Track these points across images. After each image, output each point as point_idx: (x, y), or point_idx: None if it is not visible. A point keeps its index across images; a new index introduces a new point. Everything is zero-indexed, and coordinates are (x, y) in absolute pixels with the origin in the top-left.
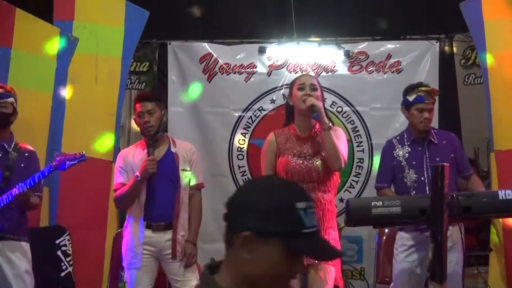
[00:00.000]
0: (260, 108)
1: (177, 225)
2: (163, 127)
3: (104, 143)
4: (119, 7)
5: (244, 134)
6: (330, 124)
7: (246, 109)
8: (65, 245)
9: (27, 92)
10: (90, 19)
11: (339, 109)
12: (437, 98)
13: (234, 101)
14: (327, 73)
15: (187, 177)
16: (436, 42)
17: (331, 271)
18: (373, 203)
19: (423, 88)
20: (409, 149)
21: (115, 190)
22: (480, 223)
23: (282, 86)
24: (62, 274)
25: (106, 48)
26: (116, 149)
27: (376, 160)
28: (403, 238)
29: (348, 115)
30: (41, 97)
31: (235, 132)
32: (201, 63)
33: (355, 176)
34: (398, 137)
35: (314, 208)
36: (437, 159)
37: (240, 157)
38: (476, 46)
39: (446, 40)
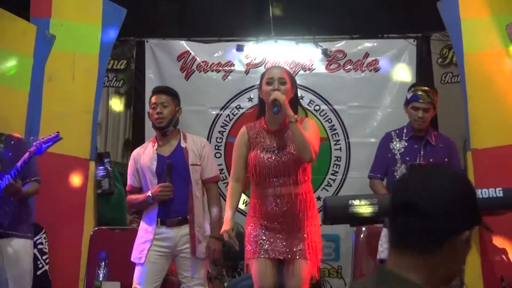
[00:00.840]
0: (238, 107)
1: (193, 220)
2: (175, 123)
3: (81, 140)
4: (97, 4)
5: (221, 133)
6: (296, 116)
7: (223, 107)
8: (41, 243)
9: (4, 89)
10: (67, 17)
11: (317, 107)
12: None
13: (211, 99)
14: (304, 71)
15: (198, 172)
16: (414, 41)
17: (307, 265)
18: (350, 202)
19: (420, 88)
20: (406, 144)
21: (128, 191)
22: None
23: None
24: (38, 272)
25: (83, 45)
26: (93, 147)
27: (353, 159)
28: (387, 235)
29: (326, 113)
30: (18, 94)
31: (213, 130)
32: (178, 61)
33: (332, 174)
34: (397, 131)
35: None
36: (431, 159)
37: (218, 155)
38: (453, 45)
39: (423, 39)
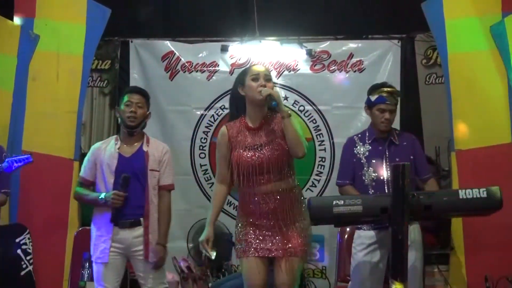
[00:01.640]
0: (222, 107)
1: (148, 225)
2: (143, 126)
3: (65, 141)
4: (81, 4)
5: (206, 133)
6: (289, 112)
7: (208, 108)
8: (25, 244)
9: None
10: (52, 16)
11: (301, 108)
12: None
13: (196, 100)
14: (289, 71)
15: (156, 178)
16: (398, 42)
17: (298, 263)
18: (334, 202)
19: (385, 89)
20: (370, 148)
21: (79, 182)
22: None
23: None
24: (22, 273)
25: (68, 45)
26: (77, 147)
27: (338, 159)
28: (362, 237)
29: (310, 114)
30: (2, 94)
31: (197, 131)
32: (163, 61)
33: (316, 175)
34: (360, 135)
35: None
36: (397, 159)
37: (202, 155)
38: (437, 46)
39: (407, 40)
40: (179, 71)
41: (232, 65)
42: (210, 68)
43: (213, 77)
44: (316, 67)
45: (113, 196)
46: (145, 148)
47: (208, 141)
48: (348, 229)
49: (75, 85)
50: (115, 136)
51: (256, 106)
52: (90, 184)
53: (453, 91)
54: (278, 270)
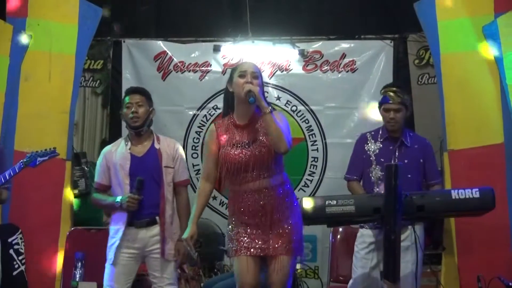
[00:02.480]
0: (215, 107)
1: (164, 223)
2: (149, 124)
3: (58, 141)
4: (73, 4)
5: (198, 133)
6: (270, 108)
7: (200, 108)
8: (17, 244)
9: None
10: (44, 16)
11: (294, 108)
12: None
13: (188, 100)
14: (281, 72)
15: (170, 174)
16: (390, 42)
17: (290, 261)
18: (327, 202)
19: (390, 89)
20: (381, 146)
21: (95, 188)
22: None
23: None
24: (15, 273)
25: (60, 45)
26: (70, 147)
27: (330, 159)
28: (364, 236)
29: (303, 114)
30: None
31: (190, 131)
32: (155, 61)
33: (309, 175)
34: (373, 132)
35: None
36: (406, 161)
37: (195, 155)
38: (429, 46)
39: (400, 40)
40: (172, 71)
41: (224, 65)
42: (202, 68)
43: (206, 77)
44: (308, 67)
45: (128, 199)
46: (156, 146)
47: (201, 141)
48: (340, 229)
49: (67, 85)
50: (124, 137)
51: (242, 103)
52: (106, 189)
53: (445, 91)
54: (270, 268)
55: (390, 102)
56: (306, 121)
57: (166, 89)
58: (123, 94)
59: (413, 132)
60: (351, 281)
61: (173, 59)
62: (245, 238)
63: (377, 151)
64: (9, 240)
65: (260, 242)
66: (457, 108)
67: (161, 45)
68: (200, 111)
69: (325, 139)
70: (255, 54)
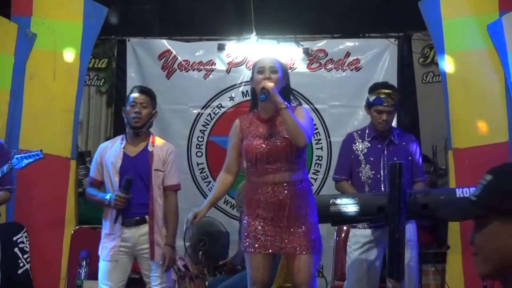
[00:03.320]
0: (219, 105)
1: (153, 225)
2: (149, 126)
3: (62, 139)
4: (78, 3)
5: (203, 132)
6: (286, 103)
7: (205, 106)
8: (22, 242)
9: None
10: (48, 15)
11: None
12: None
13: (193, 98)
14: None
15: (160, 177)
16: (395, 41)
17: (311, 260)
18: (331, 201)
19: (383, 90)
20: (369, 145)
21: (88, 182)
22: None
23: (241, 83)
24: (20, 271)
25: (65, 44)
26: (74, 146)
27: (335, 158)
28: (357, 236)
29: None
30: None
31: (194, 130)
32: (160, 60)
33: (313, 173)
34: (359, 131)
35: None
36: (395, 158)
37: (199, 154)
38: (434, 44)
39: (404, 39)
40: (176, 69)
41: (228, 63)
42: (206, 67)
43: (210, 76)
44: (312, 66)
45: (116, 198)
46: (150, 148)
47: (205, 139)
48: (345, 227)
49: (72, 84)
50: (122, 135)
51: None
52: (99, 184)
53: (450, 90)
54: (292, 268)
55: (385, 104)
56: None
57: (170, 88)
58: (127, 93)
59: (399, 129)
60: (346, 283)
61: (177, 58)
62: (261, 235)
63: (365, 150)
64: (14, 238)
65: (276, 240)
66: (461, 106)
67: (165, 43)
68: (205, 110)
69: (329, 137)
70: (259, 52)
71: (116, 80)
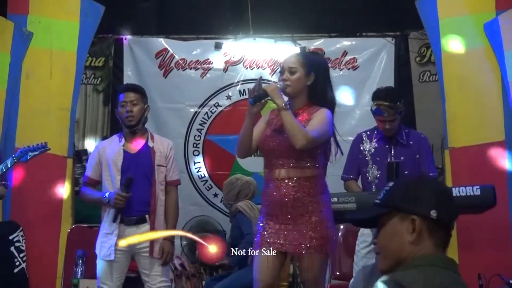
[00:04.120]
0: (216, 104)
1: (154, 221)
2: (144, 121)
3: (59, 138)
4: (75, 1)
5: (199, 130)
6: (283, 105)
7: (202, 105)
8: (18, 241)
9: None
10: (45, 13)
11: None
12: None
13: (190, 97)
14: None
15: (163, 173)
16: (392, 40)
17: (321, 258)
18: None
19: (383, 103)
20: (376, 145)
21: (84, 182)
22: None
23: (238, 82)
24: (16, 270)
25: (61, 42)
26: (71, 145)
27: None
28: (365, 235)
29: None
30: None
31: (191, 128)
32: (157, 59)
33: None
34: (368, 132)
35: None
36: (402, 158)
37: (196, 153)
38: (431, 43)
39: (401, 38)
40: (173, 68)
41: (226, 62)
42: (204, 66)
43: (207, 75)
44: None
45: (116, 197)
46: (150, 144)
47: (202, 138)
48: (342, 226)
49: (69, 82)
50: (118, 134)
51: (287, 95)
52: (95, 184)
53: (446, 89)
54: (301, 267)
55: (385, 115)
56: None
57: (167, 87)
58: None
59: (409, 128)
60: (352, 280)
61: (174, 57)
62: (270, 234)
63: (372, 150)
64: (10, 237)
65: (286, 238)
66: (458, 105)
67: (162, 42)
68: (201, 109)
69: None
70: (256, 51)
71: (113, 78)
